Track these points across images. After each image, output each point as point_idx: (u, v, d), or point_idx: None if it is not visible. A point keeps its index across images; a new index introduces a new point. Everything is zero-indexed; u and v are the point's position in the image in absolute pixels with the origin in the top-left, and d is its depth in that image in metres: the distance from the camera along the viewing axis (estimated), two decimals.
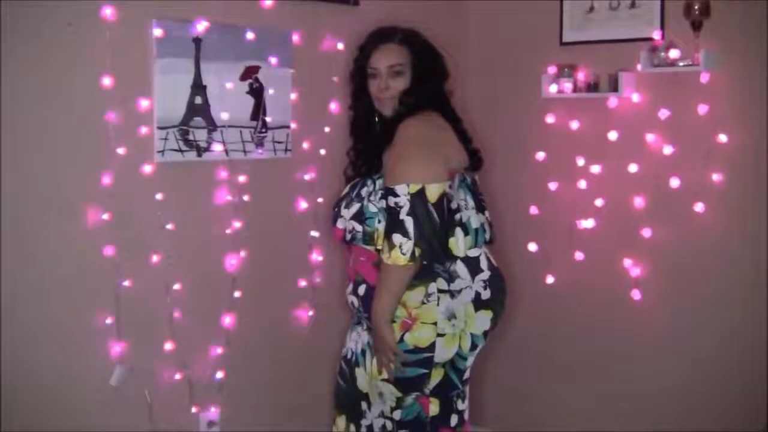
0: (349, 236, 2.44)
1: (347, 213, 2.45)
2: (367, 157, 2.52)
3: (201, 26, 2.66)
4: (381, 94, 2.48)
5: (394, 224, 2.26)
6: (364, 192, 2.45)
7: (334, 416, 2.63)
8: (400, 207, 2.25)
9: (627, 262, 3.23)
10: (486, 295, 2.42)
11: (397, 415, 2.42)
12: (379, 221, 2.37)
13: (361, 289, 2.43)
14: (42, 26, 2.34)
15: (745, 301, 3.00)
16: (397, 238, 2.25)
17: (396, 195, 2.26)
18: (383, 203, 2.35)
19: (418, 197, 2.25)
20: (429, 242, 2.26)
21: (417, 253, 2.25)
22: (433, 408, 2.42)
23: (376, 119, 2.55)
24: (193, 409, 2.75)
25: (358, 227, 2.41)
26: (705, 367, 3.11)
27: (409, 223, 2.24)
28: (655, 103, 3.12)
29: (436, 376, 2.40)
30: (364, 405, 2.52)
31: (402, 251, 2.24)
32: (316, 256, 3.07)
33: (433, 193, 2.27)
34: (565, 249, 3.38)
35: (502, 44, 3.59)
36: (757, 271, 2.96)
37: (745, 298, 3.00)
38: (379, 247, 2.35)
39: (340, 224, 2.47)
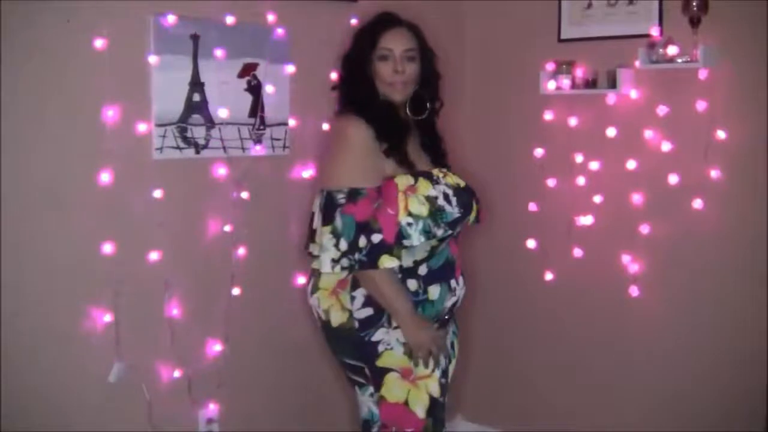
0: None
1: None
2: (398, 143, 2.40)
3: (199, 23, 2.65)
4: (395, 78, 2.36)
5: None
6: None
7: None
8: None
9: (625, 259, 3.23)
10: None
11: None
12: None
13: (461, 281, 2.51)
14: (40, 24, 2.33)
15: (744, 298, 3.00)
16: None
17: None
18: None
19: None
20: None
21: None
22: None
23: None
24: (192, 407, 2.75)
25: None
26: (704, 365, 3.11)
27: None
28: (653, 100, 3.12)
29: None
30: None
31: None
32: None
33: None
34: (564, 246, 3.38)
35: (500, 41, 3.59)
36: (756, 267, 2.97)
37: (744, 294, 3.00)
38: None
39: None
